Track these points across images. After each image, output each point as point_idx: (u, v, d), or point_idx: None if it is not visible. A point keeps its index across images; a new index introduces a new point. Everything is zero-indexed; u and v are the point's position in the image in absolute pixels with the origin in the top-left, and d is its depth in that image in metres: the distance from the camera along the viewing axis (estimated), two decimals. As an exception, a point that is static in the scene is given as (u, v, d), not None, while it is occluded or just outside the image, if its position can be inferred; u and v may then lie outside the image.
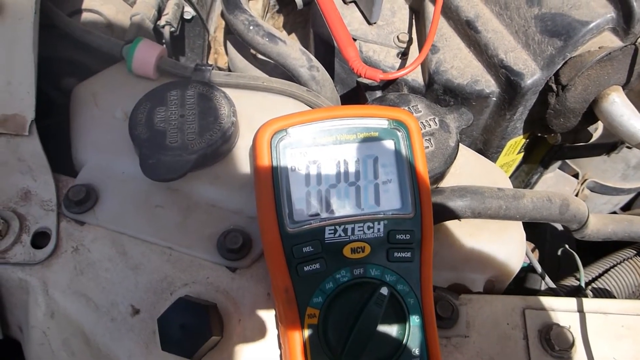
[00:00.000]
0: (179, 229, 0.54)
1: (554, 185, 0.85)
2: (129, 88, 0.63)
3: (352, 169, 0.47)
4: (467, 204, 0.53)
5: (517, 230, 0.61)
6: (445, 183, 0.61)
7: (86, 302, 0.51)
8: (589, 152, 0.79)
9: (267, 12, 0.91)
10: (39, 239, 0.53)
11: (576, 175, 0.90)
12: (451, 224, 0.58)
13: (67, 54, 0.73)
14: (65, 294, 0.51)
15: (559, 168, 0.87)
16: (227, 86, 0.63)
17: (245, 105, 0.61)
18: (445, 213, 0.54)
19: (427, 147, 0.56)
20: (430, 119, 0.59)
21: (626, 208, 1.05)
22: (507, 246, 0.60)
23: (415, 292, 0.47)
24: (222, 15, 0.76)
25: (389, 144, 0.48)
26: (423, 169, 0.48)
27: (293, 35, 0.90)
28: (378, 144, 0.48)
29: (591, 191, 0.90)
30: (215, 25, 0.93)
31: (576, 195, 0.88)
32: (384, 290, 0.45)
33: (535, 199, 0.55)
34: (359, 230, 0.45)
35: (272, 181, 0.45)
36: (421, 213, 0.47)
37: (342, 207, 0.46)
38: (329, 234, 0.45)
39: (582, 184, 0.87)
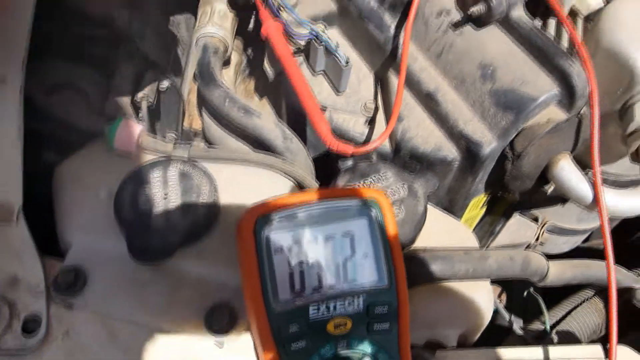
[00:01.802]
0: (167, 307, 0.56)
1: (516, 231, 0.90)
2: (112, 166, 0.65)
3: (330, 247, 0.51)
4: (438, 269, 0.57)
5: (484, 285, 0.65)
6: (416, 243, 0.65)
7: (78, 385, 0.53)
8: (546, 203, 0.85)
9: (238, 77, 0.95)
10: (30, 325, 0.54)
11: (536, 219, 0.96)
12: (423, 285, 0.62)
13: (47, 130, 0.75)
14: (58, 380, 0.52)
15: (519, 214, 0.93)
16: (207, 160, 0.66)
17: (224, 177, 0.64)
18: (418, 279, 0.58)
19: (398, 214, 0.61)
20: (399, 186, 0.64)
21: (585, 240, 1.12)
22: (476, 301, 0.64)
23: (394, 358, 0.50)
24: (197, 87, 0.79)
25: (363, 221, 0.52)
26: (396, 241, 0.52)
27: (265, 100, 0.94)
28: (353, 222, 0.52)
29: (551, 233, 0.96)
30: (189, 88, 0.97)
31: (537, 238, 0.94)
32: (366, 361, 0.48)
33: (499, 259, 0.60)
34: (340, 306, 0.49)
35: (258, 264, 0.48)
36: (396, 283, 0.51)
37: (324, 284, 0.49)
38: (313, 312, 0.48)
39: (542, 228, 0.93)
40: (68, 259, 0.59)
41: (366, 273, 0.51)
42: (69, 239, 0.61)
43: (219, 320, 0.54)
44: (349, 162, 0.72)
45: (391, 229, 0.52)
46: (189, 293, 0.57)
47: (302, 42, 0.77)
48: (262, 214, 0.49)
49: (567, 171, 0.62)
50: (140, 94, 0.79)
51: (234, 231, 0.53)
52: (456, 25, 0.68)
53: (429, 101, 0.69)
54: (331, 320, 0.48)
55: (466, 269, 0.58)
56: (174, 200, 0.59)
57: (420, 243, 0.64)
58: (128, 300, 0.56)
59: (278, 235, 0.49)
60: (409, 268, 0.58)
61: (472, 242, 0.70)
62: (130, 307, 0.56)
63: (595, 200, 0.61)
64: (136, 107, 0.81)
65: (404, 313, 0.51)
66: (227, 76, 0.91)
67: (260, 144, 0.73)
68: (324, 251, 0.50)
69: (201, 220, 0.58)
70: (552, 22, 0.84)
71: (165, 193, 0.60)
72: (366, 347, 0.49)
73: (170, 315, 0.55)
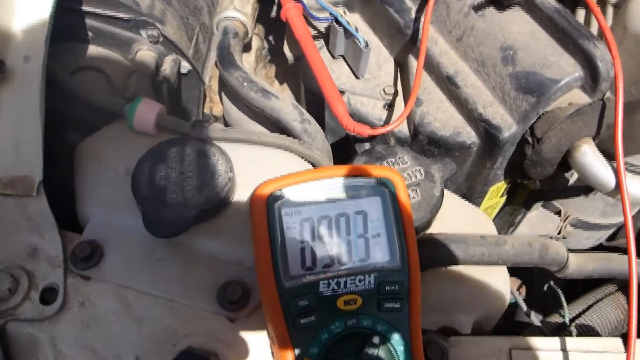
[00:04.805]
0: (180, 281, 0.57)
1: (538, 223, 0.89)
2: (131, 144, 0.67)
3: (343, 225, 0.50)
4: (452, 253, 0.57)
5: (501, 272, 0.64)
6: (431, 229, 0.64)
7: (92, 355, 0.54)
8: (568, 193, 0.83)
9: (259, 63, 0.95)
10: (47, 295, 0.56)
11: (559, 213, 0.94)
12: (438, 269, 0.61)
13: (70, 110, 0.77)
14: (73, 348, 0.53)
15: (542, 206, 0.91)
16: (224, 141, 0.67)
17: (241, 158, 0.65)
18: (431, 262, 0.57)
19: (414, 197, 0.60)
20: (415, 170, 0.63)
21: (611, 239, 1.09)
22: (492, 287, 0.63)
23: (405, 339, 0.49)
24: (218, 69, 0.80)
25: (377, 200, 0.51)
26: (409, 222, 0.51)
27: (285, 85, 0.94)
28: (367, 201, 0.51)
29: (574, 227, 0.94)
30: (210, 75, 0.98)
31: (559, 232, 0.92)
32: (376, 340, 0.48)
33: (516, 245, 0.59)
34: (351, 283, 0.48)
35: (269, 239, 0.48)
36: (409, 264, 0.50)
37: (335, 261, 0.49)
38: (323, 287, 0.48)
39: (564, 221, 0.91)
40: (86, 233, 0.60)
41: (378, 251, 0.50)
42: (88, 213, 0.62)
43: (231, 295, 0.55)
44: (366, 144, 0.71)
45: (405, 209, 0.51)
46: (202, 269, 0.58)
47: (322, 25, 0.77)
48: (276, 189, 0.49)
49: (589, 156, 0.61)
50: (161, 77, 0.80)
51: (249, 210, 0.53)
52: (478, 8, 0.67)
53: (448, 85, 0.68)
54: (341, 296, 0.48)
55: (481, 253, 0.57)
56: (190, 177, 0.60)
57: (436, 229, 0.63)
58: (143, 273, 0.57)
59: (290, 210, 0.49)
60: (423, 250, 0.57)
61: (491, 229, 0.69)
62: (144, 281, 0.56)
63: (618, 187, 0.59)
64: (157, 89, 0.82)
65: (415, 293, 0.50)
66: (247, 62, 0.91)
67: (278, 127, 0.73)
68: (336, 228, 0.50)
69: (216, 198, 0.59)
70: (580, 13, 0.82)
71: (181, 170, 0.60)
72: (376, 325, 0.48)
73: (184, 290, 0.56)
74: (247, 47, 0.90)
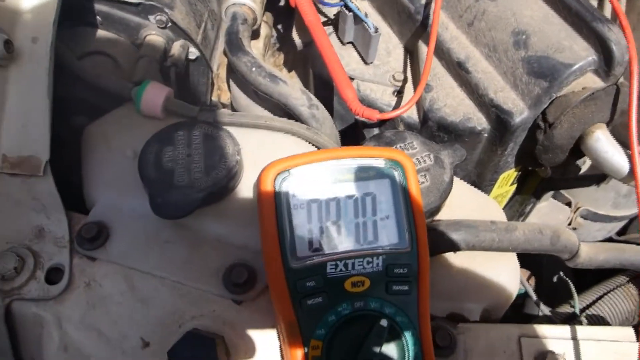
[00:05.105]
0: (187, 263, 0.56)
1: (548, 214, 0.87)
2: (138, 128, 0.66)
3: (351, 206, 0.50)
4: (462, 238, 0.56)
5: (511, 260, 0.63)
6: (440, 215, 0.63)
7: (98, 335, 0.53)
8: (580, 183, 0.82)
9: (268, 50, 0.94)
10: (53, 275, 0.56)
11: (569, 204, 0.92)
12: (447, 256, 0.60)
13: (77, 94, 0.76)
14: (78, 328, 0.53)
15: (552, 197, 0.90)
16: (231, 125, 0.66)
17: (249, 143, 0.64)
18: (440, 246, 0.56)
19: (423, 182, 0.59)
20: (425, 155, 0.62)
21: (621, 233, 1.07)
22: (501, 276, 0.62)
23: (413, 322, 0.49)
24: (226, 56, 0.79)
25: (386, 182, 0.51)
26: (418, 205, 0.51)
27: (293, 73, 0.94)
28: (376, 183, 0.50)
29: (584, 219, 0.93)
30: (218, 63, 0.97)
31: (569, 223, 0.91)
32: (384, 322, 0.47)
33: (526, 231, 0.58)
34: (359, 265, 0.48)
35: (276, 219, 0.48)
36: (417, 247, 0.50)
37: (343, 243, 0.49)
38: (331, 268, 0.47)
39: (575, 212, 0.90)
40: (92, 214, 0.59)
41: (387, 234, 0.50)
42: (95, 196, 0.62)
43: (237, 278, 0.54)
44: (375, 130, 0.71)
45: (414, 192, 0.51)
46: (208, 251, 0.57)
47: (332, 11, 0.76)
48: (283, 169, 0.49)
49: (603, 142, 0.59)
50: (169, 62, 0.80)
51: (256, 191, 0.53)
52: (490, -9, 0.66)
53: (459, 70, 0.67)
54: (349, 278, 0.47)
55: (491, 239, 0.56)
56: (197, 160, 0.59)
57: (445, 216, 0.62)
58: (149, 255, 0.56)
59: (298, 191, 0.49)
60: (432, 234, 0.57)
61: (501, 217, 0.68)
62: (150, 262, 0.56)
63: (632, 173, 0.58)
64: (165, 75, 0.82)
65: (424, 277, 0.49)
66: (256, 49, 0.90)
67: (286, 113, 0.72)
68: (344, 210, 0.49)
69: (223, 181, 0.58)
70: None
71: (188, 153, 0.60)
72: (384, 308, 0.48)
73: (190, 272, 0.56)
74: (255, 34, 0.89)
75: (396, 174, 0.51)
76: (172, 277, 0.55)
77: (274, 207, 0.48)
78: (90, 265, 0.56)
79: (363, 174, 0.50)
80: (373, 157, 0.51)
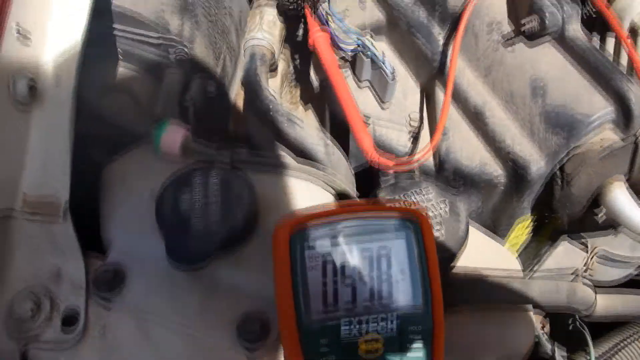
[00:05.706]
0: (200, 313, 0.56)
1: (564, 257, 0.86)
2: (156, 168, 0.67)
3: (366, 264, 0.50)
4: (477, 294, 0.55)
5: (526, 314, 0.63)
6: (457, 264, 0.63)
7: (111, 383, 0.54)
8: (597, 229, 0.80)
9: (285, 87, 0.95)
10: (69, 319, 0.56)
11: (585, 245, 0.91)
12: (462, 310, 0.60)
13: (97, 132, 0.77)
14: (92, 376, 0.54)
15: (568, 239, 0.88)
16: (249, 166, 0.66)
17: (266, 186, 0.64)
18: (455, 302, 0.56)
19: (438, 237, 0.59)
20: (441, 202, 0.62)
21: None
22: (516, 328, 0.62)
23: (427, 382, 0.49)
24: (243, 92, 0.80)
25: (402, 240, 0.50)
26: (434, 263, 0.51)
27: (310, 109, 0.94)
28: (391, 241, 0.50)
29: (601, 262, 0.91)
30: (236, 93, 0.98)
31: (585, 265, 0.89)
32: (397, 384, 0.47)
33: (542, 289, 0.57)
34: (373, 325, 0.48)
35: (291, 278, 0.48)
36: (432, 307, 0.49)
37: (357, 302, 0.48)
38: (345, 329, 0.47)
39: (592, 257, 0.88)
40: (109, 257, 0.60)
41: (401, 293, 0.49)
42: (111, 237, 0.62)
43: (251, 329, 0.54)
44: (391, 177, 0.70)
45: (430, 250, 0.50)
46: (222, 300, 0.57)
47: (349, 53, 0.76)
48: (298, 226, 0.49)
49: (621, 197, 0.59)
50: (187, 98, 0.81)
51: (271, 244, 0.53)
52: (507, 40, 0.66)
53: (475, 118, 0.67)
54: (363, 338, 0.47)
55: (507, 295, 0.56)
56: (214, 207, 0.60)
57: (460, 263, 0.62)
58: (163, 302, 0.57)
59: (313, 249, 0.49)
60: (447, 291, 0.56)
61: (515, 266, 0.68)
62: (164, 310, 0.56)
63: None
64: (183, 111, 0.83)
65: (439, 337, 0.49)
66: (273, 84, 0.91)
67: (302, 153, 0.72)
68: (359, 268, 0.49)
69: (239, 229, 0.59)
70: (610, 39, 0.80)
71: (205, 199, 0.60)
72: (398, 367, 0.47)
73: (203, 321, 0.56)
74: (273, 70, 0.90)
75: (412, 231, 0.51)
76: (186, 326, 0.55)
77: (289, 264, 0.48)
78: (106, 310, 0.57)
79: (379, 231, 0.50)
80: (390, 213, 0.51)
